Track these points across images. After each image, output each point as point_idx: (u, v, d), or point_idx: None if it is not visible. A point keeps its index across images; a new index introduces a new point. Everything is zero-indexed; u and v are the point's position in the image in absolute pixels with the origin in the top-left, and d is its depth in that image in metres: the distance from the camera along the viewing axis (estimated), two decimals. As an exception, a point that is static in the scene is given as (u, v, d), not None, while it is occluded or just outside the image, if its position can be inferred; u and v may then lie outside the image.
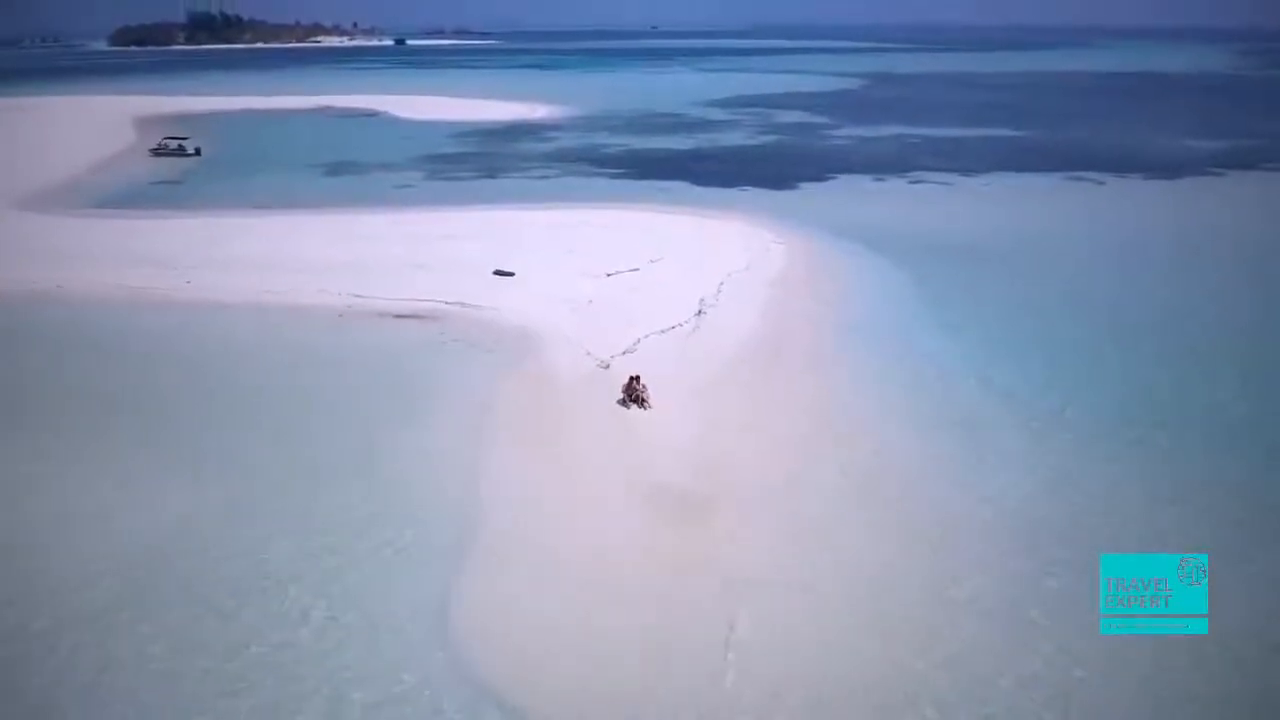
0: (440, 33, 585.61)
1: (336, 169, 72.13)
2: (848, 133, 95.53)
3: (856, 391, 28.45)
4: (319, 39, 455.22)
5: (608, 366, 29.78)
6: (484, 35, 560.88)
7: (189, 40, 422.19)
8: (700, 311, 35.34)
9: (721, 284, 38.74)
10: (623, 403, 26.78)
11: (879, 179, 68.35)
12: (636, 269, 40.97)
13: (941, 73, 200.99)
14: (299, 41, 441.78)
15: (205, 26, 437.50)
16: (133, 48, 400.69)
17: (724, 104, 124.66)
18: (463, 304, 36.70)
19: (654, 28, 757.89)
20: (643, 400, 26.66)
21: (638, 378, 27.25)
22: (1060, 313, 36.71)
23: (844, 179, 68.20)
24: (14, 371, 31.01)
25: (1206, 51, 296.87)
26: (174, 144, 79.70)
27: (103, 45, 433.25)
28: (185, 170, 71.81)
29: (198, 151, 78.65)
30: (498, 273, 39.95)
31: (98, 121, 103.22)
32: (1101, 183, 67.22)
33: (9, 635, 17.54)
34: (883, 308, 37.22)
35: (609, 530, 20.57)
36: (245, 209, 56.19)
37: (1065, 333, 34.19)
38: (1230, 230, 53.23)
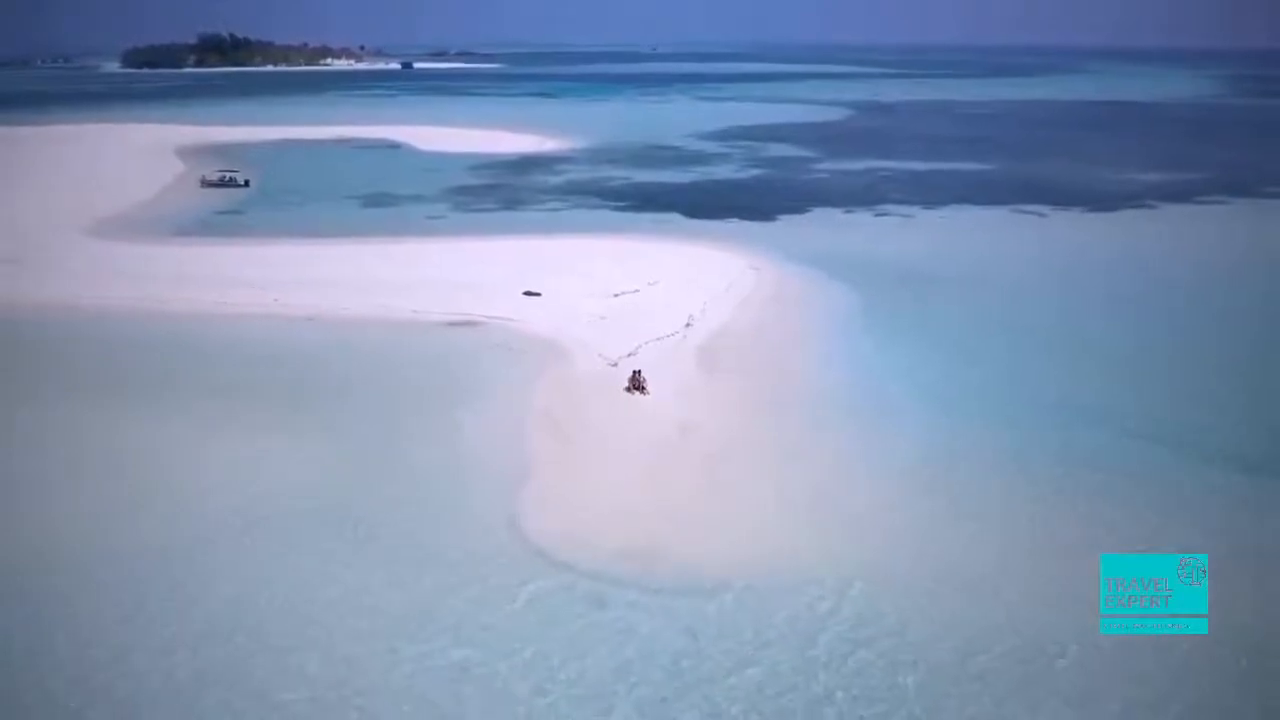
0: (444, 54, 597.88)
1: (374, 200, 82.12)
2: (826, 166, 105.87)
3: (800, 382, 38.45)
4: (328, 61, 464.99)
5: (616, 365, 39.51)
6: (487, 57, 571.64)
7: (199, 62, 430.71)
8: (688, 324, 45.19)
9: (706, 303, 48.60)
10: (628, 390, 36.54)
11: (848, 211, 78.41)
12: (638, 290, 50.77)
13: (923, 101, 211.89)
14: (307, 64, 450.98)
15: (215, 48, 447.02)
16: (144, 70, 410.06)
17: (717, 136, 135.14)
18: (500, 318, 46.48)
19: (654, 49, 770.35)
20: (643, 388, 36.44)
21: (639, 371, 37.14)
22: (980, 326, 46.67)
23: (817, 211, 78.24)
24: (147, 371, 39.91)
25: (1195, 77, 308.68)
26: (226, 176, 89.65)
27: (115, 66, 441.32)
28: (240, 201, 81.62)
29: (247, 183, 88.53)
30: (527, 293, 49.70)
31: (141, 152, 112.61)
32: (1044, 215, 77.23)
33: (234, 520, 27.22)
34: (833, 321, 47.08)
35: (623, 462, 30.64)
36: (305, 237, 66.03)
37: (980, 341, 44.17)
38: (1146, 258, 62.96)
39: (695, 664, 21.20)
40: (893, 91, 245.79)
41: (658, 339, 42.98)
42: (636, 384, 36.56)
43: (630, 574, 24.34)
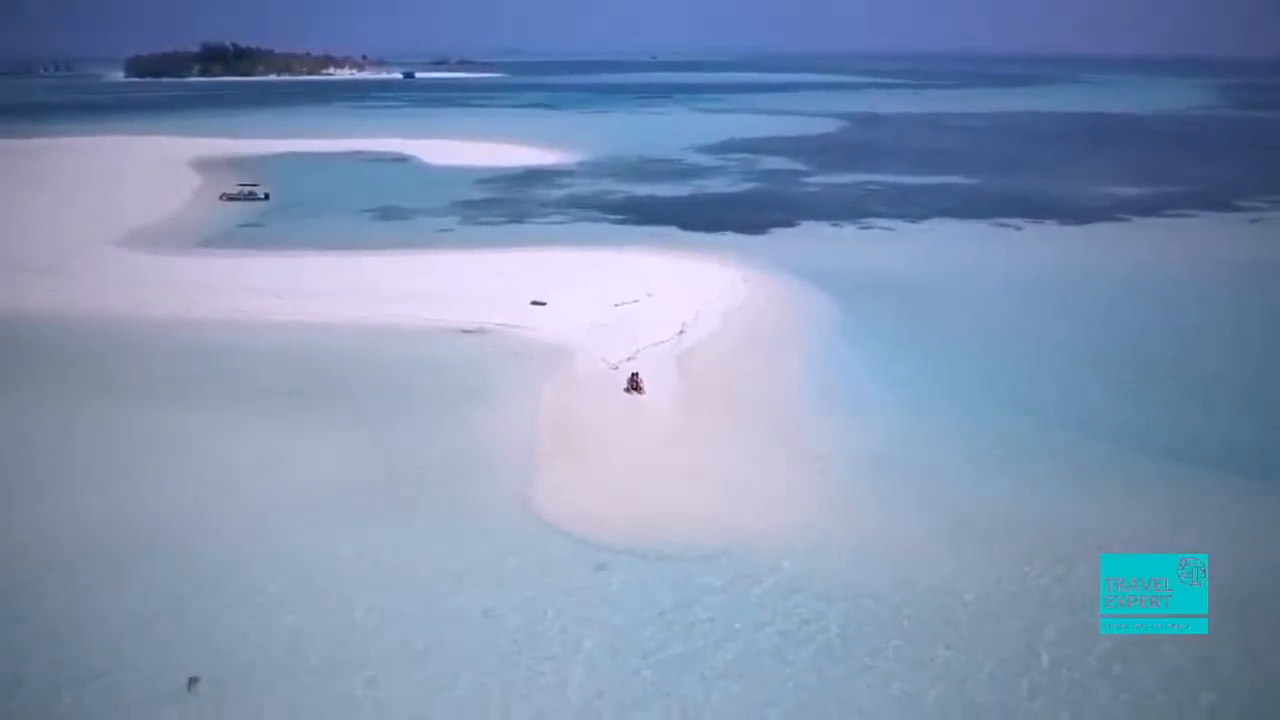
0: (445, 63, 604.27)
1: (385, 213, 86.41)
2: (816, 180, 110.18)
3: (782, 381, 42.77)
4: (330, 70, 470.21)
5: (616, 368, 43.71)
6: (487, 66, 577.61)
7: (203, 72, 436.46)
8: (681, 331, 49.44)
9: (698, 312, 52.85)
10: (627, 390, 40.76)
11: (835, 224, 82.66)
12: (636, 300, 55.01)
13: (915, 114, 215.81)
14: (310, 73, 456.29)
15: (219, 58, 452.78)
16: (149, 79, 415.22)
17: (713, 149, 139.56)
18: (509, 325, 50.68)
19: (653, 58, 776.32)
20: (641, 388, 40.67)
21: (637, 374, 41.40)
22: (948, 330, 51.05)
23: (806, 225, 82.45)
24: (182, 374, 44.02)
25: (1190, 86, 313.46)
26: (246, 190, 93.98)
27: (119, 75, 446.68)
28: (260, 213, 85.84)
29: (266, 196, 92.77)
30: (534, 302, 53.92)
31: (158, 165, 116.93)
32: (1019, 228, 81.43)
33: (279, 497, 31.39)
34: (815, 328, 51.33)
35: (624, 454, 34.94)
36: (321, 248, 70.30)
37: (947, 342, 48.65)
38: (1112, 269, 67.10)
39: (678, 612, 25.46)
40: (885, 103, 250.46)
41: (654, 344, 47.19)
42: (635, 385, 40.77)
43: (627, 543, 28.67)
